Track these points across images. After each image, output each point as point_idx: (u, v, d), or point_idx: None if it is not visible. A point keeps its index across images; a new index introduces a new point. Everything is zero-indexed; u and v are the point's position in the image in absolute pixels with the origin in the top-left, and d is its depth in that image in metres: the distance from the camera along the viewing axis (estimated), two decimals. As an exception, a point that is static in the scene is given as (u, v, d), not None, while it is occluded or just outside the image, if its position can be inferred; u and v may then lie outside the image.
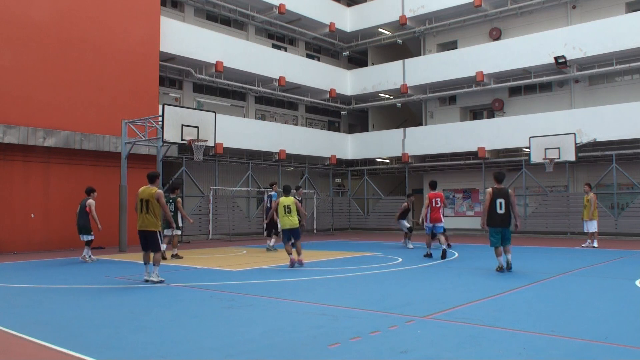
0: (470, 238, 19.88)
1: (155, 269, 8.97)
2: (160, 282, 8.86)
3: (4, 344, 5.17)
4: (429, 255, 12.88)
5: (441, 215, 13.08)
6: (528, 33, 24.11)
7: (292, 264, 11.00)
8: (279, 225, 15.60)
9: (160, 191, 9.11)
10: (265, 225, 15.73)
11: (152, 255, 9.07)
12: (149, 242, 9.06)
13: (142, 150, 17.87)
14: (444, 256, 12.47)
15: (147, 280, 8.92)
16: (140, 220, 9.06)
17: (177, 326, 5.79)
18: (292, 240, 11.23)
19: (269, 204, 15.40)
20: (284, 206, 11.16)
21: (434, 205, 13.04)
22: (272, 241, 15.10)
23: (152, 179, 9.28)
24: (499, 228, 9.81)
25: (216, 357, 4.57)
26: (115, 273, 9.00)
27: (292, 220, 11.11)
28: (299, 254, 11.17)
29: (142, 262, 9.19)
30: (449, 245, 13.63)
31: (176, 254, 13.26)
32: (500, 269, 9.94)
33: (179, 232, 13.46)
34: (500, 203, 9.77)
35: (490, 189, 9.99)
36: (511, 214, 9.90)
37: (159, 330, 5.64)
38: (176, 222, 13.32)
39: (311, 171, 26.99)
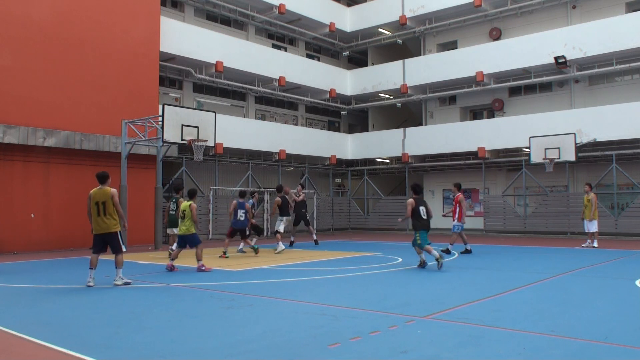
0: (470, 238, 19.82)
1: (119, 271, 8.79)
2: (127, 284, 8.72)
3: (4, 344, 5.17)
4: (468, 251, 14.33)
5: None
6: (528, 33, 24.09)
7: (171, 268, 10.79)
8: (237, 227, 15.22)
9: (114, 190, 8.85)
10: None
11: (115, 257, 8.83)
12: (110, 244, 8.78)
13: (142, 150, 17.87)
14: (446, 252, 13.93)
15: (115, 285, 8.67)
16: (95, 223, 8.69)
17: (177, 326, 5.79)
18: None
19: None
20: (182, 211, 10.97)
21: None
22: (253, 240, 15.30)
23: (103, 180, 8.91)
24: (426, 230, 10.83)
25: (216, 357, 4.57)
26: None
27: (184, 226, 10.80)
28: (171, 258, 10.96)
29: (91, 266, 8.64)
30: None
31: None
32: (423, 265, 10.76)
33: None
34: (423, 210, 10.84)
35: (412, 200, 10.91)
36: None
37: (159, 330, 5.64)
38: (176, 221, 13.32)
39: (311, 171, 26.96)
